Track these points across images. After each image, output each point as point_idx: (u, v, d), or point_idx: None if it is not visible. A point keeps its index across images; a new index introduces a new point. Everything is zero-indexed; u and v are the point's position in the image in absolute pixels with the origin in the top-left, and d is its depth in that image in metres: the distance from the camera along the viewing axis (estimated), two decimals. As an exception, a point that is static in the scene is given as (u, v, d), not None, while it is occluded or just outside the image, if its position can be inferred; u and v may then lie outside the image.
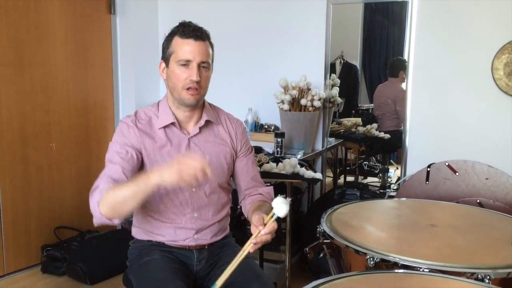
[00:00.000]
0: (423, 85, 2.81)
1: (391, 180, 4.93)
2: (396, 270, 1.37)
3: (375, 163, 5.21)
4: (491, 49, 2.59)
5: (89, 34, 3.26)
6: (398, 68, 4.43)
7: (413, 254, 1.42)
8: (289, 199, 1.35)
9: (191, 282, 1.49)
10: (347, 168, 4.66)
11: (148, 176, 1.31)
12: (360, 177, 4.93)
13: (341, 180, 4.41)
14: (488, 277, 1.30)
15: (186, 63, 1.49)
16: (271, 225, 1.35)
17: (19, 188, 2.91)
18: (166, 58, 1.55)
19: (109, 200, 1.35)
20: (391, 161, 4.88)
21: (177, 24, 1.57)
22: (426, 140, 2.84)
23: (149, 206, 1.57)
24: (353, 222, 1.73)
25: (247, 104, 3.23)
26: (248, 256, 1.57)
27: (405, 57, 5.30)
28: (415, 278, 1.29)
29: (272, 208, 1.34)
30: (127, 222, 3.28)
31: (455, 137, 2.77)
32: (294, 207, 2.91)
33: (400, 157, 4.95)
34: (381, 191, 4.24)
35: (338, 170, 4.26)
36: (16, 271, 2.93)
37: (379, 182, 4.87)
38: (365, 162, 5.12)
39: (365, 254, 1.44)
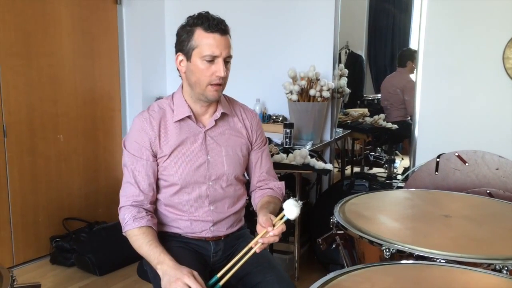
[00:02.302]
0: (433, 74, 2.79)
1: (397, 171, 4.92)
2: (413, 261, 1.36)
3: (380, 153, 5.20)
4: (503, 38, 2.56)
5: (95, 24, 3.24)
6: (406, 58, 4.40)
7: (429, 245, 1.41)
8: (300, 202, 1.34)
9: (208, 273, 1.49)
10: (353, 159, 4.65)
11: (157, 266, 1.40)
12: (365, 168, 4.93)
13: (347, 171, 4.40)
14: (506, 268, 1.29)
15: (212, 59, 1.46)
16: (280, 227, 1.35)
17: (27, 180, 2.91)
18: (186, 51, 1.49)
19: (130, 241, 1.53)
20: (397, 152, 4.87)
21: (185, 13, 1.55)
22: (436, 130, 2.82)
23: (164, 200, 1.57)
24: (366, 213, 1.72)
25: (254, 94, 3.21)
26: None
27: (415, 46, 5.24)
28: (434, 270, 1.28)
29: (280, 206, 1.34)
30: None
31: (465, 127, 2.75)
32: (300, 198, 2.89)
33: (405, 147, 4.95)
34: (387, 181, 4.24)
35: (345, 160, 4.25)
36: (25, 262, 2.95)
37: (385, 172, 4.86)
38: (371, 153, 5.11)
39: (381, 245, 1.44)
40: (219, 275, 1.34)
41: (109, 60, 3.37)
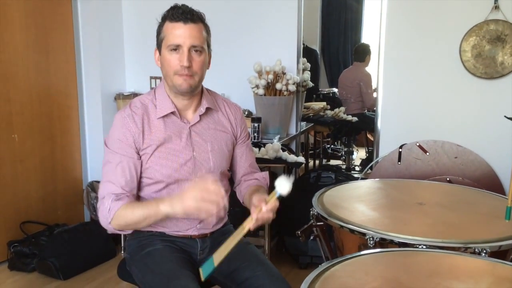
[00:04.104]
0: (394, 67, 2.87)
1: (354, 162, 5.06)
2: (399, 249, 1.40)
3: (336, 146, 5.33)
4: (460, 32, 2.68)
5: (49, 18, 3.08)
6: (364, 52, 4.53)
7: (410, 232, 1.46)
8: (292, 177, 1.34)
9: (196, 271, 1.45)
10: (311, 152, 4.74)
11: (158, 205, 1.35)
12: (324, 160, 5.04)
13: (310, 163, 4.47)
14: (484, 250, 1.36)
15: (176, 48, 1.43)
16: (273, 203, 1.35)
17: (-20, 183, 2.74)
18: (158, 45, 1.48)
19: (121, 222, 1.42)
20: (352, 144, 5.01)
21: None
22: (398, 122, 2.91)
23: (149, 198, 1.52)
24: (345, 204, 1.75)
25: (219, 89, 3.15)
26: (249, 243, 1.57)
27: (367, 40, 5.40)
28: (419, 255, 1.33)
29: (271, 190, 1.34)
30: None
31: (425, 118, 2.85)
32: (269, 192, 2.90)
33: (360, 140, 5.11)
34: (347, 173, 4.34)
35: (309, 153, 4.31)
36: (-19, 269, 2.79)
37: (343, 164, 4.99)
38: (328, 146, 5.23)
39: (364, 234, 1.47)
40: (214, 256, 1.30)
41: (65, 55, 3.22)
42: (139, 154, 1.48)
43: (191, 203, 1.27)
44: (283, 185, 1.32)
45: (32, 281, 2.71)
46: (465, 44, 2.69)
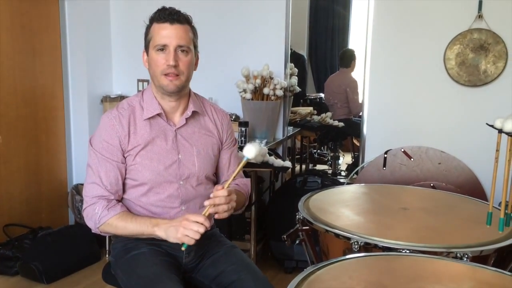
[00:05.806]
0: (380, 74, 2.91)
1: (340, 167, 5.10)
2: (383, 253, 1.41)
3: (323, 151, 5.36)
4: (444, 40, 2.73)
5: (35, 19, 3.06)
6: (350, 58, 4.58)
7: (394, 236, 1.48)
8: (262, 144, 1.38)
9: (181, 274, 1.46)
10: (297, 156, 4.76)
11: (154, 230, 1.41)
12: (310, 165, 5.06)
13: (296, 168, 4.49)
14: (466, 255, 1.39)
15: (163, 48, 1.45)
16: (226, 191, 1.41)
17: (-37, 185, 2.70)
18: (146, 46, 1.50)
19: (110, 230, 1.47)
20: (339, 149, 5.05)
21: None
22: (383, 127, 2.95)
23: (135, 201, 1.52)
24: (330, 208, 1.77)
25: (207, 93, 3.16)
26: (235, 246, 1.58)
27: (354, 46, 5.45)
28: (402, 260, 1.35)
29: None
30: (83, 217, 3.15)
31: (410, 124, 2.89)
32: (256, 196, 2.91)
33: (346, 145, 5.15)
34: (333, 178, 4.37)
35: (296, 158, 4.33)
36: (-38, 273, 2.74)
37: (329, 169, 5.02)
38: (315, 150, 5.26)
39: (349, 238, 1.49)
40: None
41: (51, 57, 3.20)
42: (124, 156, 1.48)
43: (181, 238, 1.36)
44: (249, 149, 1.36)
45: (14, 285, 2.68)
46: (449, 52, 2.74)
